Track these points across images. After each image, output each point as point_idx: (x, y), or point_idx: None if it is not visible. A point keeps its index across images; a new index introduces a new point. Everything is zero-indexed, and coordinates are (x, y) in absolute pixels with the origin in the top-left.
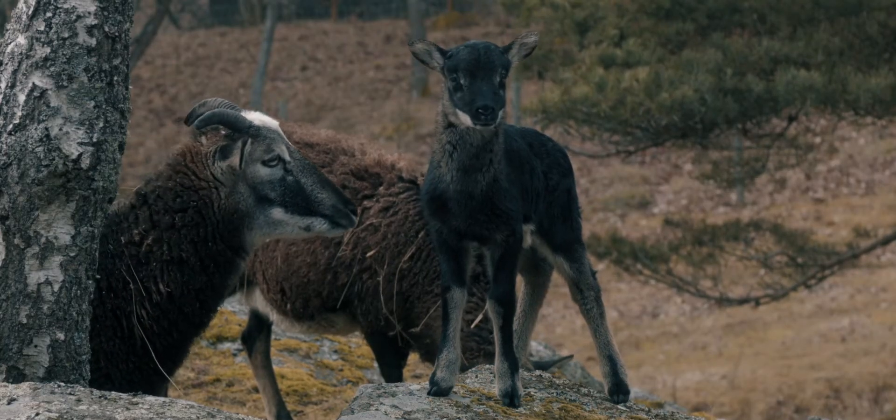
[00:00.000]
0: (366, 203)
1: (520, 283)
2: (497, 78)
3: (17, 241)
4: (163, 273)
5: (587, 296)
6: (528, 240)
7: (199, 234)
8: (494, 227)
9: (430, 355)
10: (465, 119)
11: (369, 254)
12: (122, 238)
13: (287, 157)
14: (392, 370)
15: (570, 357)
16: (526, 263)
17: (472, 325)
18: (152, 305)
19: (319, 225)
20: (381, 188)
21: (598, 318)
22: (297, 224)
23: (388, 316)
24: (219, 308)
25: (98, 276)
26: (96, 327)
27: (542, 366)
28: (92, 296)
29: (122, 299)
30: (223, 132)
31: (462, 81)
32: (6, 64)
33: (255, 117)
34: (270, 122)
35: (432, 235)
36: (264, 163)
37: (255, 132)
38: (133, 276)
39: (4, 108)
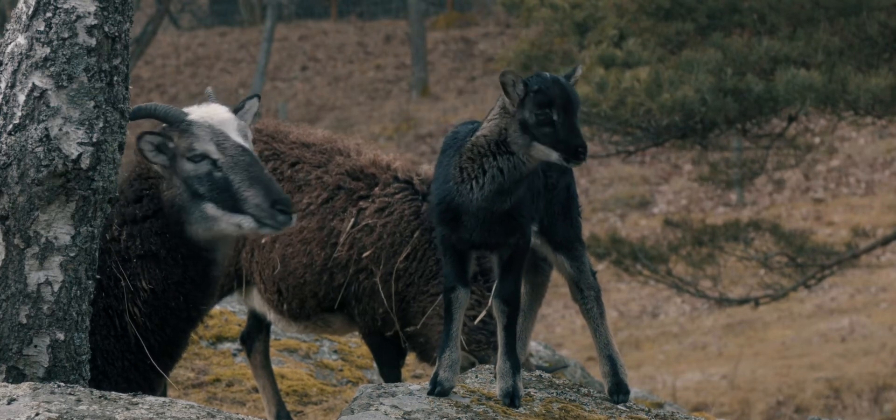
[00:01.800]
0: (361, 204)
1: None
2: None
3: (17, 241)
4: (143, 269)
5: (587, 295)
6: (533, 239)
7: (160, 225)
8: (508, 235)
9: (425, 355)
10: (547, 154)
11: (365, 254)
12: (106, 234)
13: (214, 154)
14: (390, 370)
15: (566, 366)
16: (526, 264)
17: (476, 321)
18: (142, 302)
19: (247, 224)
20: (376, 189)
21: (598, 318)
22: (229, 221)
23: (386, 316)
24: (213, 302)
25: (98, 276)
26: (91, 326)
27: (541, 370)
28: (92, 296)
29: (113, 297)
30: (162, 125)
31: (554, 117)
32: (6, 64)
33: (196, 111)
34: (211, 116)
35: (437, 239)
36: (189, 158)
37: (184, 127)
38: (122, 272)
39: (4, 108)
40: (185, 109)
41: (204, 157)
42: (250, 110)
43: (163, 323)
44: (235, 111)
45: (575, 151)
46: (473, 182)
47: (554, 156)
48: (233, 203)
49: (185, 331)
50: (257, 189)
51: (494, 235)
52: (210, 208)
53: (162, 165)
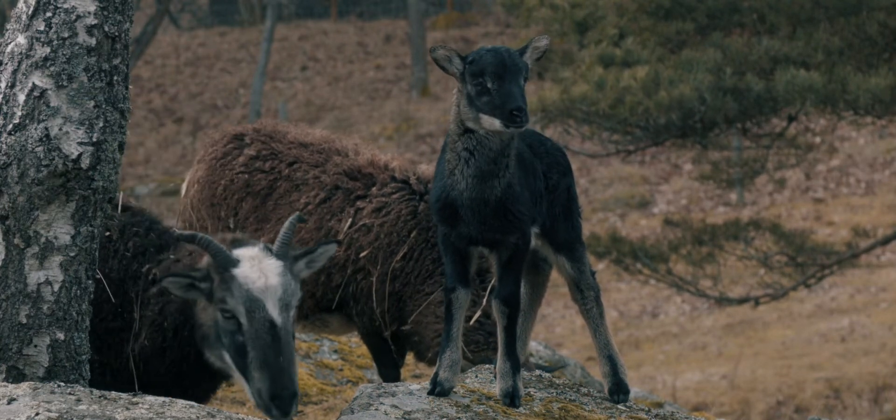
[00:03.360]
0: (359, 204)
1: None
2: (522, 80)
3: (17, 241)
4: (147, 327)
5: (587, 296)
6: (534, 241)
7: (182, 319)
8: (507, 232)
9: (420, 354)
10: (491, 123)
11: (362, 254)
12: (138, 259)
13: (242, 319)
14: (389, 370)
15: (566, 366)
16: (526, 264)
17: (472, 321)
18: (140, 347)
19: (252, 396)
20: (373, 189)
21: (598, 318)
22: (239, 379)
23: (382, 316)
24: (215, 385)
25: (95, 276)
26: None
27: (540, 368)
28: (92, 296)
29: (122, 319)
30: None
31: (489, 85)
32: (6, 64)
33: (247, 262)
34: (254, 278)
35: (439, 238)
36: (220, 309)
37: (226, 277)
38: (137, 306)
39: (4, 108)
40: (237, 254)
41: (233, 316)
42: (324, 255)
43: (157, 375)
44: (305, 255)
45: (510, 115)
46: (458, 171)
47: (497, 123)
48: (245, 370)
49: (181, 390)
50: (265, 375)
51: (491, 230)
52: (227, 357)
53: (194, 300)
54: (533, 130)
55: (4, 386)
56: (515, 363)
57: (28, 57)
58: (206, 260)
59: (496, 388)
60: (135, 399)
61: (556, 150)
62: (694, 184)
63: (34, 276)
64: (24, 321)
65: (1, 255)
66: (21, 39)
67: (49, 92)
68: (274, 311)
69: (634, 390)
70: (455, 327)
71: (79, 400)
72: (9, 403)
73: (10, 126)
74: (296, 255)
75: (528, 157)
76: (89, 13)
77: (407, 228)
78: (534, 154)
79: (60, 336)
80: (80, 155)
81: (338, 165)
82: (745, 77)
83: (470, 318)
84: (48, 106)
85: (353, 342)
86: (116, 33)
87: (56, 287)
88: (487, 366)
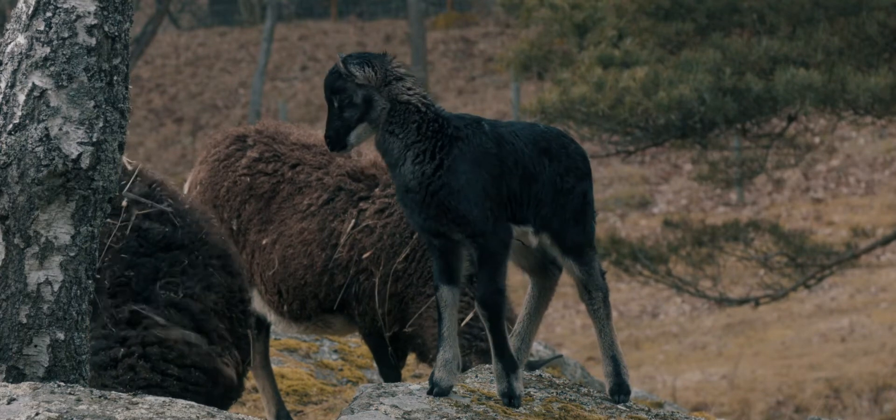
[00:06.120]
0: (362, 205)
1: (527, 283)
2: (336, 103)
3: (17, 240)
4: None
5: (595, 297)
6: (533, 241)
7: None
8: (450, 226)
9: (423, 355)
10: None
11: (365, 255)
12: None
13: None
14: (390, 370)
15: (560, 356)
16: (535, 265)
17: (462, 324)
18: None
19: None
20: (376, 190)
21: (605, 319)
22: None
23: (384, 317)
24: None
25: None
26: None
27: (532, 366)
28: (91, 295)
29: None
30: None
31: None
32: (6, 64)
33: None
34: None
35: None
36: None
37: None
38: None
39: (4, 107)
40: None
41: None
42: None
43: None
44: None
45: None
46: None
47: None
48: None
49: None
50: None
51: (431, 219)
52: None
53: None
54: (557, 131)
55: (4, 386)
56: (508, 364)
57: (28, 57)
58: None
59: (495, 389)
60: (135, 399)
61: (577, 154)
62: (694, 184)
63: (34, 276)
64: (24, 321)
65: (1, 255)
66: (21, 39)
67: (49, 92)
68: None
69: (634, 390)
70: (445, 326)
71: (79, 400)
72: (9, 403)
73: (10, 126)
74: None
75: (512, 160)
76: (89, 13)
77: (409, 230)
78: (550, 157)
79: (60, 336)
80: (80, 155)
81: (340, 167)
82: (745, 77)
83: (461, 320)
84: (48, 106)
85: (353, 342)
86: (116, 33)
87: (56, 287)
88: (488, 366)
